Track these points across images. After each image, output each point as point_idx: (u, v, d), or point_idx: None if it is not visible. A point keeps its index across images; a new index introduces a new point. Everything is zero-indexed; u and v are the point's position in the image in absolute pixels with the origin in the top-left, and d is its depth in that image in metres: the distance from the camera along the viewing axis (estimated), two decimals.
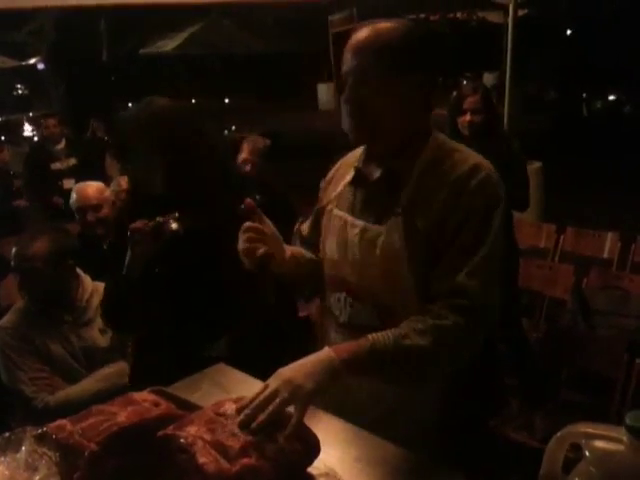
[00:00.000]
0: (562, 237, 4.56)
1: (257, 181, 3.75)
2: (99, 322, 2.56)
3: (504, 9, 7.21)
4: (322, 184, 1.76)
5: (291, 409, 1.28)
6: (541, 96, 15.20)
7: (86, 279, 2.64)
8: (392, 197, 1.49)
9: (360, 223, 1.54)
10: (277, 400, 1.26)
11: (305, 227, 1.85)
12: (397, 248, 1.45)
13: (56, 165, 6.08)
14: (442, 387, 1.53)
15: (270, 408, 1.25)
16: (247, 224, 1.51)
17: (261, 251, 1.47)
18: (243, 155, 3.86)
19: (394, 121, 1.47)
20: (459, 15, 14.63)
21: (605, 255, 4.37)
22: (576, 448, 1.09)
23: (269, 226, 1.55)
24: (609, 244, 4.37)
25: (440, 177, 1.45)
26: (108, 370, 2.52)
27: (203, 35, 12.13)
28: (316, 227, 1.75)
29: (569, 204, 6.95)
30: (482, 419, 1.69)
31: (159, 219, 1.92)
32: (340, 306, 1.60)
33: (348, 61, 1.47)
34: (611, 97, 14.70)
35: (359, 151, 1.65)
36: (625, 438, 1.02)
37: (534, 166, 5.80)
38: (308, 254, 1.75)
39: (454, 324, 1.35)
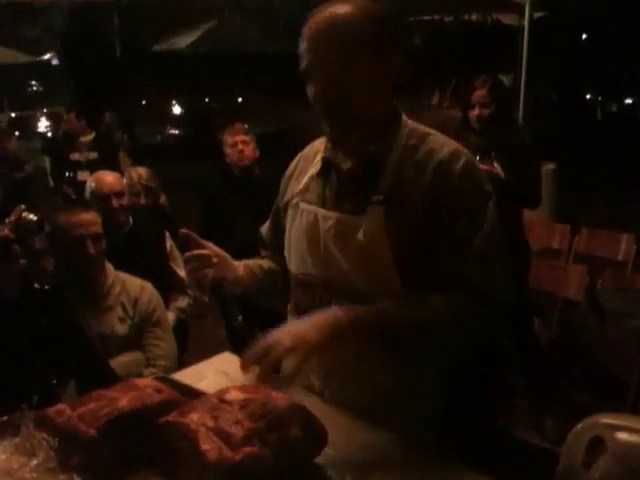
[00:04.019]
0: (576, 238, 4.49)
1: (259, 181, 3.64)
2: (119, 310, 2.54)
3: (519, 11, 7.14)
4: (282, 182, 1.68)
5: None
6: (555, 99, 15.10)
7: (109, 266, 2.61)
8: (369, 185, 1.42)
9: (334, 215, 1.46)
10: (279, 348, 1.22)
11: (265, 229, 1.78)
12: (379, 238, 1.38)
13: (75, 156, 6.13)
14: (444, 380, 1.47)
15: (271, 355, 1.21)
16: (186, 254, 1.50)
17: (209, 277, 1.48)
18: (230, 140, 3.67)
19: (373, 108, 1.41)
20: (474, 17, 14.50)
21: (620, 257, 4.30)
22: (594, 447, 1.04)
23: (213, 249, 1.54)
24: (624, 245, 4.30)
25: (419, 163, 1.40)
26: (124, 359, 2.48)
27: (217, 33, 12.10)
28: (277, 226, 1.67)
29: (583, 207, 6.88)
30: (486, 416, 1.64)
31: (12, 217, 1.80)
32: (315, 304, 1.50)
33: (310, 55, 1.36)
34: (627, 101, 14.58)
35: (318, 143, 1.59)
36: None
37: (548, 167, 5.73)
38: (266, 264, 1.70)
39: (465, 307, 1.34)
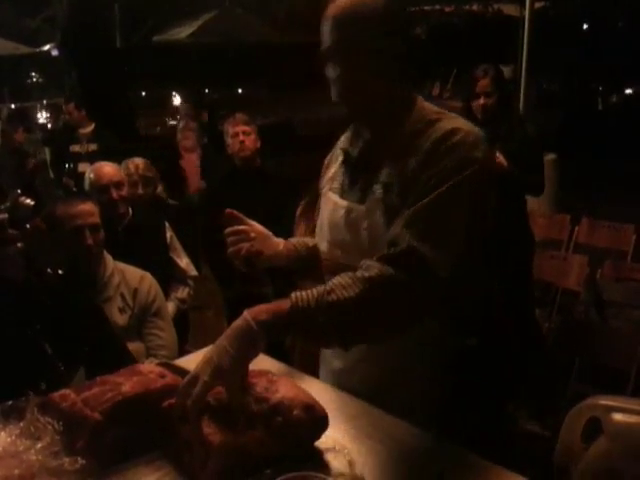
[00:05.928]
0: (577, 228, 4.51)
1: (260, 171, 3.66)
2: (118, 301, 2.55)
3: (520, 1, 7.13)
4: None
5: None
6: (556, 89, 15.08)
7: (108, 257, 2.61)
8: (373, 175, 1.44)
9: (345, 203, 1.51)
10: (199, 386, 1.19)
11: (316, 210, 1.83)
12: (380, 227, 1.40)
13: (75, 148, 6.12)
14: (447, 365, 1.48)
15: (194, 394, 1.19)
16: (228, 229, 1.64)
17: (244, 250, 1.60)
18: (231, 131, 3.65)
19: (386, 88, 1.44)
20: (474, 7, 14.46)
21: (620, 247, 4.32)
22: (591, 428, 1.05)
23: (254, 226, 1.67)
24: (624, 236, 4.32)
25: (417, 148, 1.37)
26: None
27: (217, 23, 12.05)
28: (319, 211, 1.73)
29: (583, 197, 6.88)
30: (494, 403, 1.64)
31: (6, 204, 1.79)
32: None
33: (330, 36, 1.42)
34: (628, 91, 14.56)
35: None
36: None
37: (549, 158, 5.74)
38: (312, 242, 1.74)
39: (381, 275, 1.25)
